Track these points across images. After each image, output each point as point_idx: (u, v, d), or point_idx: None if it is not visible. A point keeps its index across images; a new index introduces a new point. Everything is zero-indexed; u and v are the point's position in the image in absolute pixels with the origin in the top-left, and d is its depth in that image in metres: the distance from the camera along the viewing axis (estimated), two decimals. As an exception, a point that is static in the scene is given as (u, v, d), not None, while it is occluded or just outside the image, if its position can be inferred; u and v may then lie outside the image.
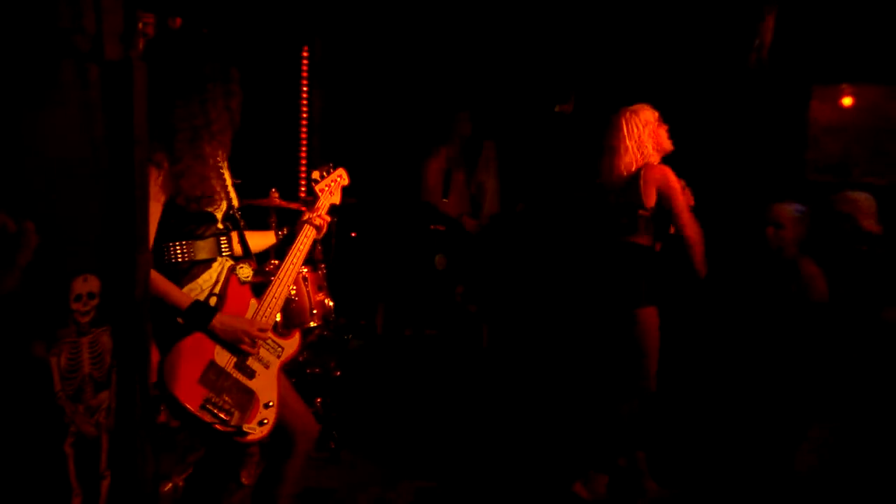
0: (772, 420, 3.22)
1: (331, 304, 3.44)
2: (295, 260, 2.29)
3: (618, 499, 3.14)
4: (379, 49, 5.18)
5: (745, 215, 4.07)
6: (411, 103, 5.30)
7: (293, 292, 3.20)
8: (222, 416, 1.97)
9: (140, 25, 3.49)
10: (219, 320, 2.04)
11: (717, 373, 3.71)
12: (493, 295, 4.82)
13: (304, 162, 4.99)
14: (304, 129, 4.98)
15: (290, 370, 3.54)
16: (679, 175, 3.31)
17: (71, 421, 1.36)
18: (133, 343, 1.45)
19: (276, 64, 4.59)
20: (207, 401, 1.96)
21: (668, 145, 3.24)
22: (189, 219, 2.07)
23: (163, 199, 2.01)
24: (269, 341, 2.18)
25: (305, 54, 4.85)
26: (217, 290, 2.12)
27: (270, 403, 2.10)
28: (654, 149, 3.17)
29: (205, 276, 2.10)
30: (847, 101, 5.11)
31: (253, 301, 2.18)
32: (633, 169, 3.13)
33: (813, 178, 5.01)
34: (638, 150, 3.14)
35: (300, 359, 3.61)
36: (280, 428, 2.14)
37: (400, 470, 3.35)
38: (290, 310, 3.18)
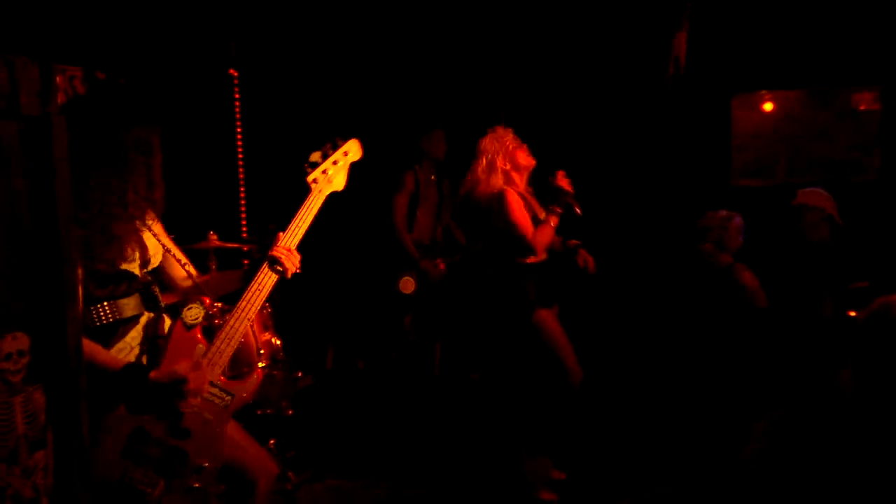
0: (717, 416, 3.32)
1: (278, 342, 3.41)
2: (252, 299, 2.07)
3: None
4: (306, 67, 5.16)
5: (676, 225, 4.21)
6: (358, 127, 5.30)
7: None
8: (143, 488, 1.82)
9: (59, 80, 3.45)
10: (154, 377, 1.89)
11: (664, 376, 3.82)
12: (441, 320, 4.84)
13: (242, 198, 4.95)
14: (240, 165, 4.94)
15: (238, 414, 3.49)
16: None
17: (7, 484, 1.33)
18: (67, 399, 1.43)
19: (205, 97, 4.54)
20: (127, 474, 1.82)
21: (525, 162, 3.37)
22: (107, 279, 1.95)
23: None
24: (211, 391, 1.99)
25: (236, 83, 4.82)
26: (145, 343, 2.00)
27: (205, 466, 1.92)
28: (512, 168, 3.30)
29: (133, 332, 1.99)
30: (767, 106, 5.36)
31: (201, 346, 2.00)
32: (496, 190, 3.28)
33: (739, 184, 5.22)
34: (492, 170, 3.30)
35: (249, 401, 3.55)
36: (238, 472, 2.05)
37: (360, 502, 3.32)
38: (236, 351, 3.14)
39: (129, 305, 1.97)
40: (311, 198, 2.17)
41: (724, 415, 3.38)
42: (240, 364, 3.16)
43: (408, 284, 4.60)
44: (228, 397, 2.02)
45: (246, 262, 3.32)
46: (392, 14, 4.93)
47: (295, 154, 5.18)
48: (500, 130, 3.42)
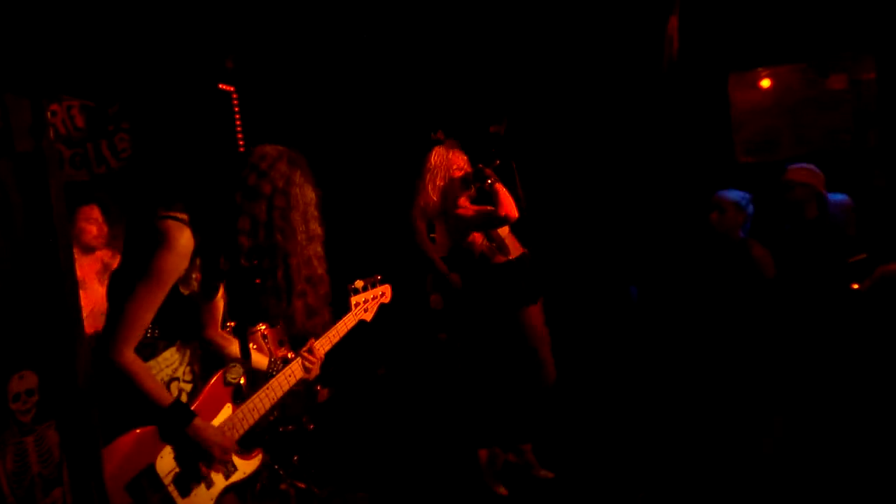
0: (734, 403, 3.30)
1: (292, 356, 3.40)
2: (277, 387, 2.10)
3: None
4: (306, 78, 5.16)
5: (685, 206, 4.18)
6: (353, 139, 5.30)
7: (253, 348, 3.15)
8: None
9: (56, 108, 3.47)
10: (195, 427, 1.86)
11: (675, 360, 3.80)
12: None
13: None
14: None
15: (261, 431, 3.49)
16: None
17: (26, 524, 1.32)
18: (81, 435, 1.42)
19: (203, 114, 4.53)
20: None
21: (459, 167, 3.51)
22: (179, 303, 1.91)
23: (177, 279, 1.85)
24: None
25: (236, 103, 4.81)
26: (179, 373, 1.97)
27: None
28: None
29: (166, 353, 1.94)
30: (765, 83, 5.31)
31: (228, 407, 2.01)
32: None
33: (743, 161, 5.17)
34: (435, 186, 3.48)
35: (271, 418, 3.55)
36: None
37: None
38: (253, 369, 3.13)
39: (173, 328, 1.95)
40: (348, 317, 2.31)
41: (735, 401, 3.37)
42: (255, 380, 3.16)
43: (438, 303, 4.59)
44: (233, 469, 2.01)
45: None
46: (388, 19, 4.92)
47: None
48: (443, 147, 3.59)
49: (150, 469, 1.83)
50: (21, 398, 1.35)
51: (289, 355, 2.34)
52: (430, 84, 5.22)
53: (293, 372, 2.17)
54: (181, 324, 1.98)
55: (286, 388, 2.14)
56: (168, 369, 1.95)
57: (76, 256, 3.12)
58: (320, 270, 1.99)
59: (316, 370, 2.22)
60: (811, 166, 3.69)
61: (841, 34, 4.83)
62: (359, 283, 2.36)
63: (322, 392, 3.77)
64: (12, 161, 1.49)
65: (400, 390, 4.86)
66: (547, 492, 3.33)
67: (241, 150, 4.92)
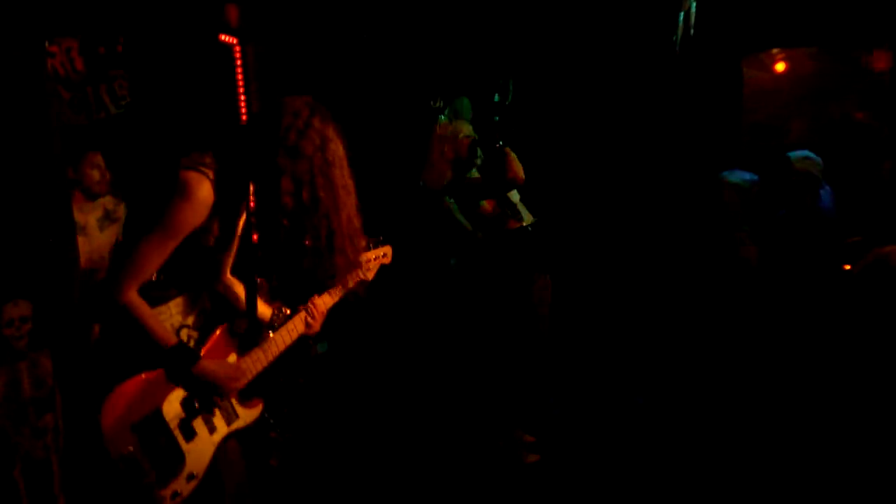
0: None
1: (287, 311, 3.41)
2: (280, 340, 2.11)
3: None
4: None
5: (689, 186, 4.17)
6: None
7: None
8: (139, 473, 1.79)
9: (55, 50, 3.43)
10: (201, 367, 1.86)
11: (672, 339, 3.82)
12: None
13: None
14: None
15: (252, 382, 3.52)
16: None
17: (18, 445, 1.34)
18: (73, 362, 1.43)
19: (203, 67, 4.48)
20: (132, 452, 1.78)
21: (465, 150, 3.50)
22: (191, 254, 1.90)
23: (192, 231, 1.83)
24: (226, 404, 2.01)
25: (238, 56, 4.75)
26: (188, 320, 1.96)
27: (194, 475, 1.90)
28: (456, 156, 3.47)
29: (177, 300, 1.93)
30: (779, 66, 5.27)
31: (233, 356, 2.01)
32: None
33: (751, 143, 5.15)
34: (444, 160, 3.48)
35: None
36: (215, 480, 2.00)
37: (371, 469, 3.35)
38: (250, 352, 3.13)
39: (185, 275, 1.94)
40: (351, 275, 2.28)
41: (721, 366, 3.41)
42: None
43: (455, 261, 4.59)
44: (235, 416, 2.04)
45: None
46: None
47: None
48: (447, 121, 3.60)
49: (157, 413, 1.85)
50: (14, 324, 1.35)
51: (286, 311, 2.28)
52: (439, 52, 5.17)
53: (295, 327, 2.16)
54: (193, 273, 1.96)
55: (288, 342, 2.14)
56: (178, 316, 1.95)
57: (79, 202, 3.11)
58: (358, 223, 1.97)
59: (317, 326, 2.21)
60: (812, 155, 3.68)
61: (859, 22, 4.79)
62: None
63: (313, 347, 3.79)
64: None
65: (398, 353, 4.89)
66: (534, 477, 3.27)
67: (243, 105, 4.88)
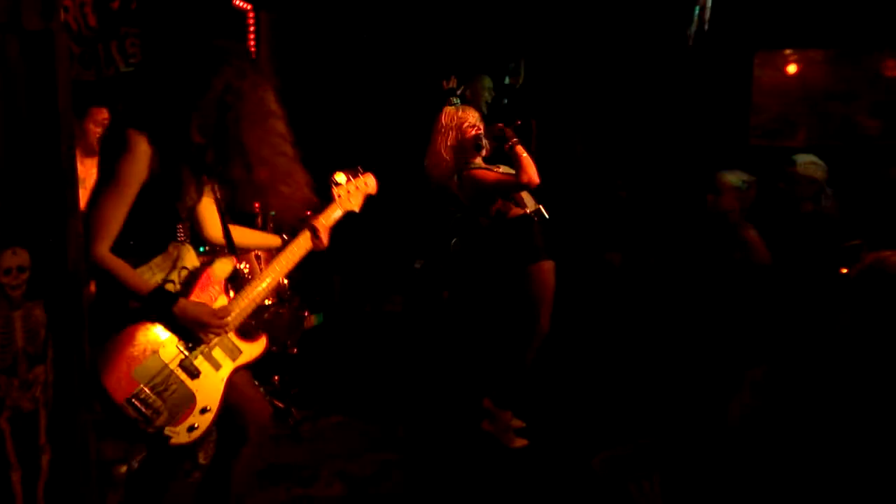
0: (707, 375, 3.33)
1: (285, 281, 3.43)
2: (280, 267, 2.18)
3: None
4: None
5: (692, 183, 4.16)
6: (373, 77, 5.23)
7: (246, 270, 3.17)
8: (148, 414, 1.87)
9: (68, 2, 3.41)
10: (181, 306, 1.94)
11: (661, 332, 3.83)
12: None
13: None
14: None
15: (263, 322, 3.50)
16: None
17: (6, 395, 1.35)
18: (68, 316, 1.44)
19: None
20: (136, 395, 1.86)
21: (471, 135, 3.39)
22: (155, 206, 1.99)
23: (142, 182, 1.93)
24: (226, 341, 2.06)
25: (251, 22, 4.72)
26: (172, 276, 2.02)
27: (207, 409, 1.98)
28: (461, 142, 3.38)
29: (157, 259, 2.01)
30: (791, 68, 5.23)
31: (223, 297, 2.08)
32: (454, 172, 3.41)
33: (757, 143, 5.12)
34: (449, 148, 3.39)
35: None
36: (233, 414, 2.08)
37: (362, 443, 3.37)
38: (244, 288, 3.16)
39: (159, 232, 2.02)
40: (332, 207, 2.35)
41: (716, 366, 3.40)
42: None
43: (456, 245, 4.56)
44: (238, 352, 2.09)
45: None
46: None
47: (312, 95, 5.18)
48: (452, 107, 3.49)
49: (155, 357, 1.93)
50: (13, 273, 1.36)
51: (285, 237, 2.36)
52: (450, 32, 5.13)
53: (299, 246, 2.22)
54: (165, 231, 2.04)
55: (292, 265, 2.20)
56: (161, 273, 2.00)
57: (80, 157, 3.11)
58: (280, 147, 2.06)
59: (325, 242, 2.27)
60: (817, 159, 3.66)
61: (873, 26, 4.74)
62: (339, 176, 2.39)
63: (309, 318, 3.80)
64: (20, 38, 1.47)
65: (387, 326, 4.91)
66: (519, 462, 3.30)
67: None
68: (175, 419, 1.92)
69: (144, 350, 1.91)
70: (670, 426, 3.25)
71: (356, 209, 2.42)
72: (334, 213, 2.34)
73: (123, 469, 2.76)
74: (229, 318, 2.03)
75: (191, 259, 2.07)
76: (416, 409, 3.77)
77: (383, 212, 5.06)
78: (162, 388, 1.91)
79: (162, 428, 1.90)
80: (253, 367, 3.07)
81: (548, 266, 3.34)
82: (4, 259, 1.35)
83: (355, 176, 2.42)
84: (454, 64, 5.13)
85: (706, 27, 4.87)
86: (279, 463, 3.12)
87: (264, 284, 2.14)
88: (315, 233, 2.23)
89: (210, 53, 1.99)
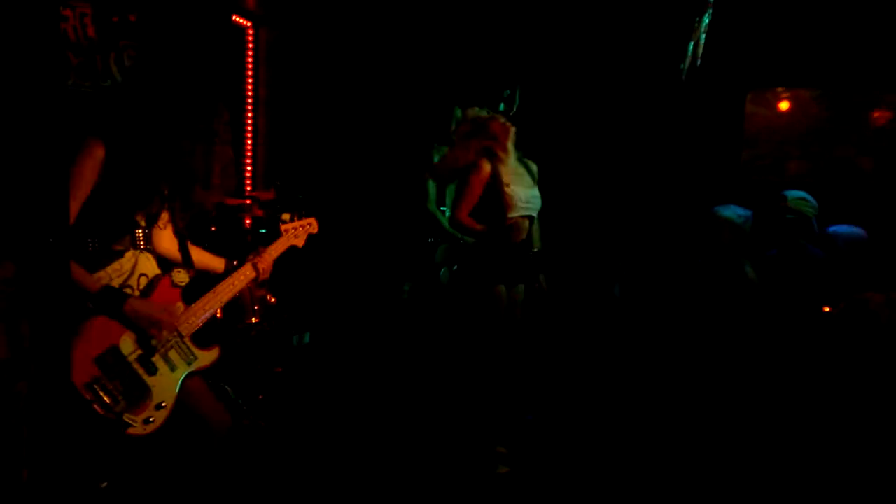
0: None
1: (272, 300, 3.42)
2: (223, 291, 2.31)
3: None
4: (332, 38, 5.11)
5: (686, 218, 4.19)
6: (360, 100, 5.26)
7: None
8: (106, 399, 1.96)
9: (69, 14, 3.42)
10: (131, 305, 2.04)
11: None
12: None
13: (248, 154, 4.92)
14: (248, 119, 4.89)
15: (229, 367, 3.51)
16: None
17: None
18: (51, 331, 1.43)
19: (219, 51, 4.49)
20: (95, 380, 1.96)
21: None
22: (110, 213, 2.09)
23: (92, 184, 2.03)
24: (182, 345, 2.18)
25: (250, 39, 4.75)
26: (131, 282, 2.13)
27: (163, 404, 2.09)
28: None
29: (115, 265, 2.11)
30: (783, 105, 5.31)
31: (179, 305, 2.21)
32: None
33: (751, 178, 5.18)
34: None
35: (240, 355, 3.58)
36: (195, 418, 2.20)
37: (347, 461, 3.34)
38: (232, 307, 3.16)
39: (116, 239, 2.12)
40: (280, 241, 2.58)
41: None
42: (233, 320, 3.20)
43: (445, 274, 4.58)
44: (193, 357, 2.21)
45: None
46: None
47: (310, 114, 5.20)
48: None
49: (114, 349, 2.04)
50: (-3, 285, 1.35)
51: (234, 263, 2.55)
52: (445, 58, 5.18)
53: (245, 274, 2.39)
54: (122, 234, 2.14)
55: (239, 286, 2.36)
56: (119, 279, 2.12)
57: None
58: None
59: (266, 273, 2.45)
60: (808, 196, 3.69)
61: (866, 67, 4.83)
62: (285, 216, 2.63)
63: (294, 338, 3.79)
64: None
65: (372, 347, 4.89)
66: (506, 487, 3.28)
67: (249, 89, 4.88)
68: (133, 409, 2.02)
69: (104, 341, 2.02)
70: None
71: (300, 245, 2.65)
72: (281, 247, 2.56)
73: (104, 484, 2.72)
74: (181, 317, 2.16)
75: (150, 267, 2.18)
76: (395, 430, 3.74)
77: (370, 238, 5.10)
78: (120, 378, 2.01)
79: (121, 414, 1.98)
80: (238, 385, 3.11)
81: (504, 288, 3.36)
82: (-9, 271, 1.34)
83: (300, 217, 2.67)
84: (450, 87, 5.17)
85: (699, 63, 4.93)
86: (262, 483, 3.09)
87: (208, 304, 2.27)
88: (257, 267, 2.41)
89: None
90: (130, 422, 1.99)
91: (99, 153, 2.03)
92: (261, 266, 2.42)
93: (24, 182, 1.43)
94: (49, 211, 1.43)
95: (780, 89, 5.25)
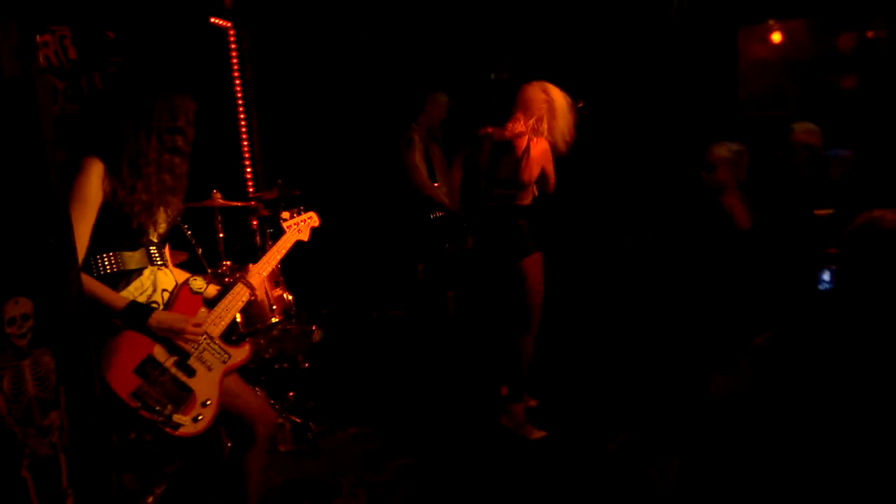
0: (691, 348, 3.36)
1: (290, 297, 3.43)
2: (223, 314, 2.32)
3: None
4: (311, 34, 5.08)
5: (685, 158, 4.16)
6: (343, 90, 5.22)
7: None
8: (154, 405, 2.02)
9: (48, 39, 3.40)
10: (156, 318, 2.09)
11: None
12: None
13: (246, 155, 4.91)
14: (241, 121, 4.88)
15: (257, 369, 3.55)
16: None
17: (24, 444, 1.35)
18: (76, 359, 1.44)
19: (205, 54, 4.46)
20: (139, 389, 2.02)
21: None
22: (122, 232, 2.12)
23: (99, 203, 2.06)
24: (213, 346, 2.24)
25: (233, 41, 4.71)
26: (156, 297, 2.18)
27: (208, 402, 2.15)
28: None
29: (136, 283, 2.15)
30: (776, 37, 5.22)
31: (203, 310, 2.28)
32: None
33: (748, 115, 5.12)
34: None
35: (266, 356, 3.61)
36: (239, 419, 2.24)
37: (380, 451, 3.38)
38: (251, 309, 3.17)
39: (134, 259, 2.16)
40: (284, 239, 2.61)
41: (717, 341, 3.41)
42: (253, 320, 3.21)
43: (451, 247, 4.62)
44: (226, 355, 2.27)
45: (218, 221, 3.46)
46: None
47: (299, 109, 5.17)
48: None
49: (150, 357, 2.10)
50: (16, 322, 1.36)
51: (226, 280, 2.62)
52: (431, 27, 5.12)
53: (238, 296, 2.38)
54: (135, 248, 2.17)
55: (234, 314, 2.36)
56: (142, 297, 2.16)
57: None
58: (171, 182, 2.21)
59: (259, 293, 2.44)
60: (813, 126, 3.67)
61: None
62: (285, 214, 2.68)
63: (315, 332, 3.80)
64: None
65: (394, 332, 4.91)
66: (540, 453, 3.31)
67: (238, 92, 4.86)
68: (180, 410, 2.08)
69: (140, 352, 2.08)
70: (679, 407, 3.26)
71: (306, 239, 2.70)
72: (287, 243, 2.61)
73: (149, 500, 2.77)
74: (205, 326, 2.20)
75: (169, 281, 2.24)
76: (430, 411, 3.77)
77: (375, 224, 5.11)
78: (161, 384, 2.08)
79: (170, 416, 2.05)
80: (268, 385, 3.15)
81: (537, 257, 3.41)
82: (7, 310, 1.35)
83: (299, 213, 2.72)
84: (438, 63, 5.13)
85: (687, 3, 4.86)
86: (300, 478, 3.13)
87: (225, 314, 2.31)
88: (251, 288, 2.39)
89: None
90: (181, 422, 2.05)
91: (99, 170, 2.05)
92: (251, 293, 2.40)
93: (28, 218, 1.44)
94: (57, 242, 1.44)
95: (771, 22, 5.16)
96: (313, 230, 2.77)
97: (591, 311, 4.63)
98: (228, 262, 3.35)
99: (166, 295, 2.22)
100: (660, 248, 4.27)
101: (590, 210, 5.02)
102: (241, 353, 2.31)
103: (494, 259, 3.45)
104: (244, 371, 2.41)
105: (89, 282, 2.00)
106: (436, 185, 4.72)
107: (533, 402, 3.68)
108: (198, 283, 2.26)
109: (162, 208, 2.22)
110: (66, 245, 1.47)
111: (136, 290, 2.14)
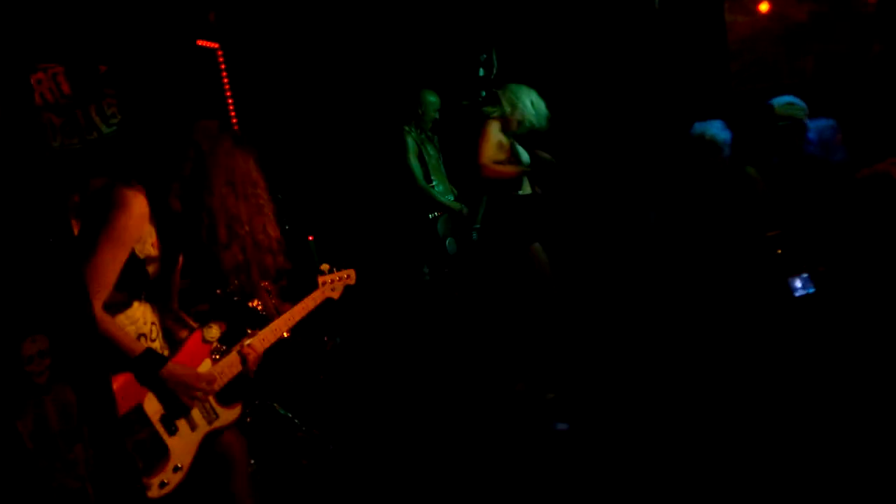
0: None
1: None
2: (222, 379, 2.19)
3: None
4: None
5: (678, 136, 4.17)
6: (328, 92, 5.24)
7: (260, 307, 3.20)
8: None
9: (41, 77, 3.44)
10: (168, 369, 2.00)
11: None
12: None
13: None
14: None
15: (273, 384, 3.56)
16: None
17: (51, 479, 1.38)
18: (96, 391, 1.47)
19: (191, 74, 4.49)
20: None
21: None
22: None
23: (137, 240, 1.99)
24: (206, 404, 2.14)
25: (221, 61, 4.74)
26: (144, 330, 2.08)
27: (179, 467, 2.02)
28: None
29: (125, 314, 2.05)
30: (763, 6, 5.20)
31: (207, 362, 2.16)
32: None
33: (740, 88, 5.11)
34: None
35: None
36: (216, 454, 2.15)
37: (400, 456, 3.40)
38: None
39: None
40: (316, 294, 2.49)
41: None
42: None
43: (452, 244, 4.66)
44: (214, 416, 2.16)
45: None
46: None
47: (290, 121, 5.19)
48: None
49: (139, 408, 1.98)
50: (35, 360, 1.39)
51: (223, 347, 2.38)
52: (413, 25, 5.14)
53: (233, 363, 2.22)
54: (140, 284, 2.07)
55: (233, 374, 2.21)
56: (132, 326, 2.06)
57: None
58: (273, 235, 2.13)
59: (254, 367, 2.25)
60: (795, 100, 3.68)
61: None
62: (325, 267, 2.55)
63: (328, 343, 3.83)
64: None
65: (409, 342, 4.93)
66: (560, 446, 3.34)
67: (232, 111, 4.88)
68: (149, 471, 1.96)
69: (130, 399, 1.96)
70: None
71: (336, 297, 2.56)
72: (317, 299, 2.47)
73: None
74: (215, 385, 2.10)
75: (151, 315, 2.12)
76: (449, 409, 3.79)
77: (376, 230, 5.13)
78: (140, 440, 1.96)
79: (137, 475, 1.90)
80: (289, 400, 3.08)
81: (538, 246, 3.60)
82: (25, 349, 1.38)
83: (339, 269, 2.58)
84: (426, 64, 5.14)
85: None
86: (323, 490, 3.16)
87: (228, 373, 2.19)
88: (245, 360, 2.22)
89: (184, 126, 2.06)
90: (146, 484, 1.93)
91: (142, 207, 1.95)
92: (251, 357, 2.22)
93: (37, 257, 1.47)
94: (71, 281, 1.47)
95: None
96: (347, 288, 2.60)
97: (602, 300, 4.63)
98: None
99: (154, 329, 2.12)
100: (663, 227, 4.29)
101: (589, 196, 5.03)
102: (229, 415, 2.19)
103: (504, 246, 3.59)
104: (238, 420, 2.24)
105: (112, 324, 1.94)
106: (432, 185, 4.75)
107: (550, 395, 3.71)
108: (212, 332, 2.14)
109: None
110: (79, 283, 1.50)
111: (128, 320, 2.04)
